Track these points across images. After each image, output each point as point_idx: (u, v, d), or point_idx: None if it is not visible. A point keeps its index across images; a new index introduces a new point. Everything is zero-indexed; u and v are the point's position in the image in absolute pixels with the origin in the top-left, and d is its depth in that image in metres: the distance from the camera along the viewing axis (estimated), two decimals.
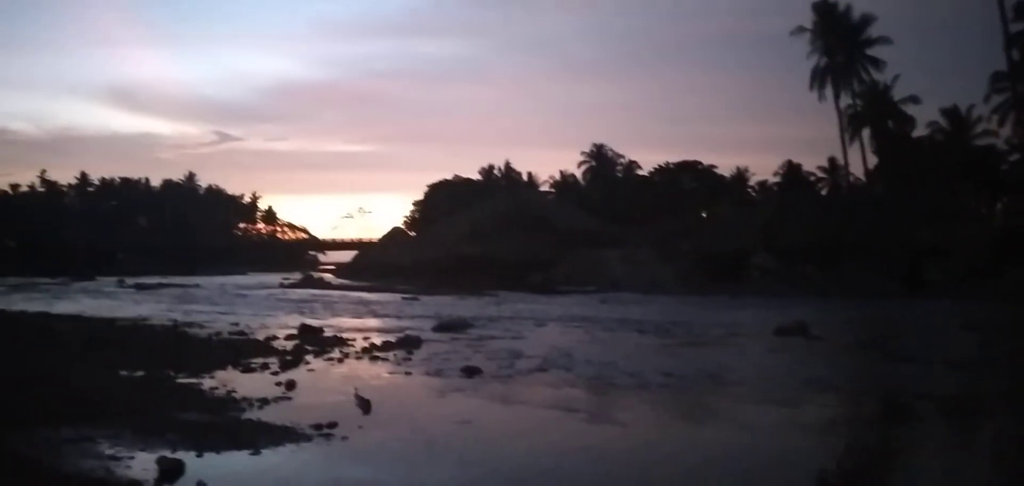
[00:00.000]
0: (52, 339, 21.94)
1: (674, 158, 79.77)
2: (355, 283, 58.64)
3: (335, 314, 33.14)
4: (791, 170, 77.39)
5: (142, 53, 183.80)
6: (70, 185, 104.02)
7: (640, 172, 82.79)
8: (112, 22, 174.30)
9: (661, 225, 60.54)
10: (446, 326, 25.95)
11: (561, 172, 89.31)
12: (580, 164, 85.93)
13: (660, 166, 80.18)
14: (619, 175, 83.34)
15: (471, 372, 16.81)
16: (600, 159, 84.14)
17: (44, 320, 28.45)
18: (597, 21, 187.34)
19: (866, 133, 60.42)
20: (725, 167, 79.64)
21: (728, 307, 35.66)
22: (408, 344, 21.23)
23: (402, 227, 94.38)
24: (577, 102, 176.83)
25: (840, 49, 59.07)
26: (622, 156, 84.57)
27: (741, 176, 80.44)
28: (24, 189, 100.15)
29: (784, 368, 18.38)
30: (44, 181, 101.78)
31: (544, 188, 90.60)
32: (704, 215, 73.43)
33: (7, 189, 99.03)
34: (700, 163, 78.14)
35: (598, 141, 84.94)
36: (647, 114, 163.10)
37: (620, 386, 16.06)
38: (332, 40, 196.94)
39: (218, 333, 24.58)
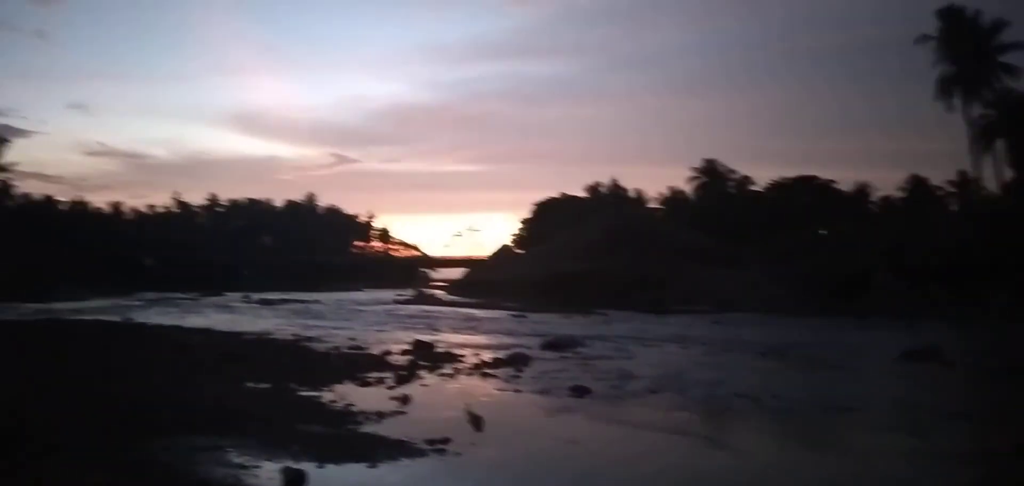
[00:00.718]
0: (186, 353, 23.42)
1: (790, 173, 76.88)
2: (465, 300, 59.55)
3: (446, 330, 33.76)
4: (917, 185, 73.01)
5: (267, 81, 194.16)
6: (201, 205, 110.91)
7: (754, 188, 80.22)
8: (239, 53, 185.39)
9: (776, 243, 58.40)
10: (554, 344, 25.89)
11: (670, 188, 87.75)
12: (690, 180, 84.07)
13: (775, 181, 77.43)
14: (732, 191, 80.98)
15: (580, 392, 16.74)
16: (711, 174, 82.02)
17: (178, 334, 30.38)
18: (704, 35, 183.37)
19: (1000, 145, 56.31)
20: (844, 182, 76.06)
21: (850, 329, 33.92)
22: (517, 361, 21.38)
23: (510, 245, 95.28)
24: (686, 117, 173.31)
25: (969, 57, 55.41)
26: (735, 171, 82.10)
27: (862, 191, 76.61)
28: (160, 209, 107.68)
29: (913, 394, 17.33)
30: (178, 202, 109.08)
31: (653, 205, 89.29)
32: (822, 232, 70.27)
33: (145, 209, 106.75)
34: (817, 178, 74.98)
35: (709, 156, 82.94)
36: (760, 128, 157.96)
37: (735, 410, 15.58)
38: (443, 64, 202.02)
39: (336, 348, 25.51)
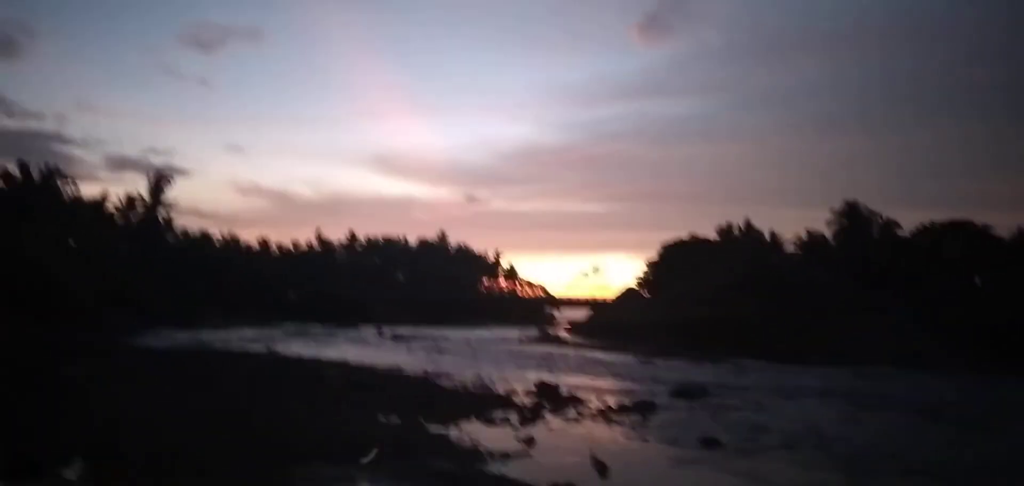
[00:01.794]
0: (323, 383, 24.54)
1: (939, 217, 71.65)
2: (589, 342, 59.15)
3: (570, 372, 33.60)
4: None
5: (403, 124, 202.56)
6: (341, 242, 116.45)
7: (900, 232, 75.35)
8: (379, 98, 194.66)
9: (925, 291, 54.43)
10: (683, 392, 25.19)
11: (808, 231, 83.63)
12: (830, 223, 79.79)
13: (923, 226, 72.30)
14: (875, 235, 76.39)
15: (710, 443, 16.15)
16: (853, 218, 77.62)
17: (316, 365, 31.90)
18: (842, 72, 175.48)
19: None
20: (1002, 227, 70.07)
21: (1008, 386, 31.04)
22: (644, 408, 20.94)
23: (635, 287, 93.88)
24: (824, 157, 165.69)
25: None
26: (878, 214, 77.29)
27: (1023, 237, 70.25)
28: (303, 246, 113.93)
29: None
30: (319, 239, 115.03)
31: (789, 249, 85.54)
32: (976, 281, 64.86)
33: (290, 245, 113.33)
34: (971, 222, 69.49)
35: (850, 198, 78.69)
36: (906, 169, 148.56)
37: (882, 472, 14.51)
38: (571, 105, 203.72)
39: (463, 385, 25.97)
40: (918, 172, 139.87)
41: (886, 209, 78.19)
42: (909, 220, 75.84)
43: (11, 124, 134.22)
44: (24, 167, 69.24)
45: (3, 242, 46.35)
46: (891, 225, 76.42)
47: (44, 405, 17.85)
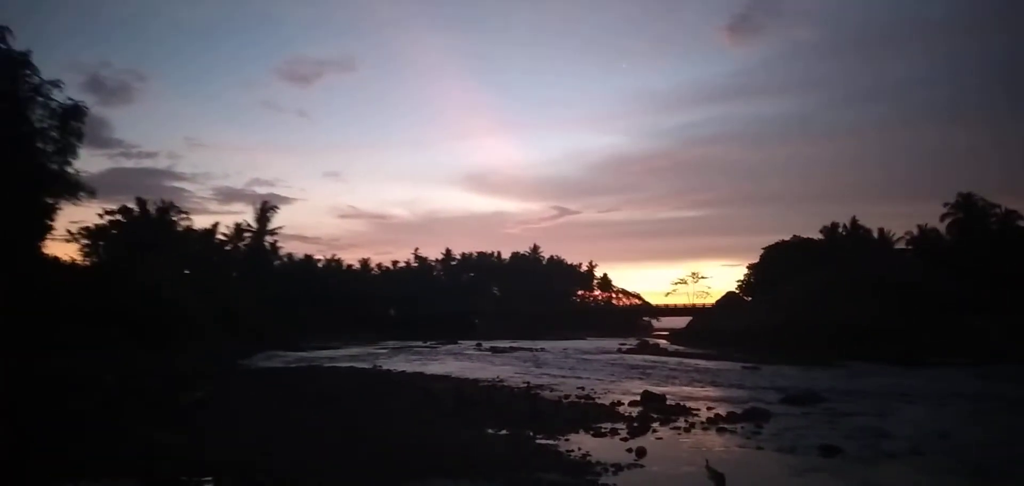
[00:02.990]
0: (430, 398, 24.94)
1: None
2: (691, 349, 57.89)
3: (674, 381, 32.98)
4: None
5: (493, 142, 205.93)
6: (437, 260, 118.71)
7: (1021, 223, 70.54)
8: (469, 118, 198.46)
9: None
10: (795, 398, 24.30)
11: (919, 227, 79.46)
12: (943, 217, 75.48)
13: None
14: (994, 228, 71.72)
15: (829, 451, 15.50)
16: (968, 210, 73.17)
17: (422, 380, 32.50)
18: (942, 61, 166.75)
19: None
20: None
21: None
22: (756, 416, 20.31)
23: (737, 291, 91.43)
24: (933, 149, 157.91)
25: None
26: (997, 206, 72.52)
27: None
28: (401, 265, 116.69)
29: None
30: (417, 257, 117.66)
31: (899, 246, 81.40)
32: None
33: (389, 265, 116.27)
34: None
35: (965, 190, 74.24)
36: None
37: (1017, 477, 13.58)
38: (660, 112, 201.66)
39: (566, 396, 25.86)
40: None
41: (1005, 199, 73.60)
42: None
43: (128, 163, 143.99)
44: (141, 203, 73.81)
45: (123, 273, 49.45)
46: (1011, 216, 71.57)
47: (169, 427, 18.81)
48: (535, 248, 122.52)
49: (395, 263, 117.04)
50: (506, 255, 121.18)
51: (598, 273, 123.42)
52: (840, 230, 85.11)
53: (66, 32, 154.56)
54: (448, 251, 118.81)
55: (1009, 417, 21.27)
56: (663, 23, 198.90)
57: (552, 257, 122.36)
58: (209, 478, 13.21)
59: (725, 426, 19.00)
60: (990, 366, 36.45)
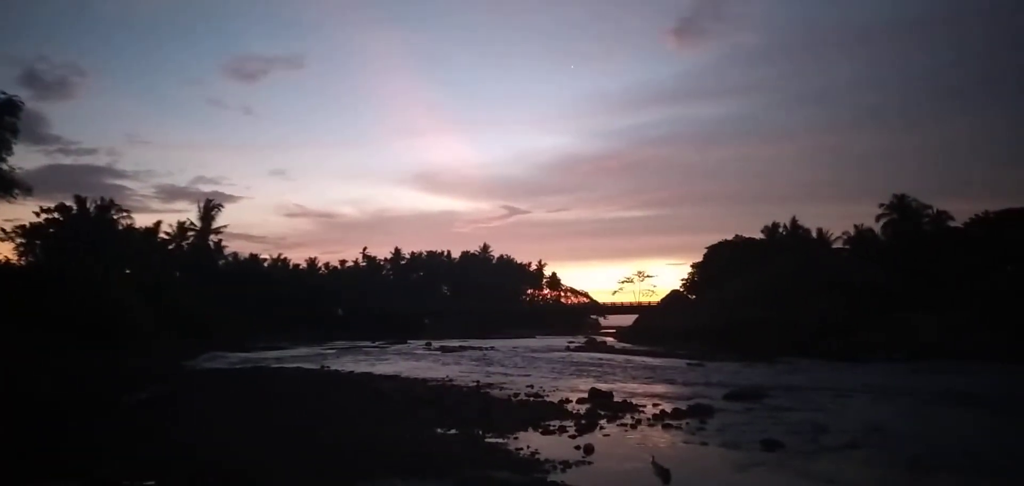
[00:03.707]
0: (379, 398, 24.85)
1: (995, 206, 69.70)
2: (637, 347, 58.72)
3: (621, 378, 33.44)
4: None
5: (443, 141, 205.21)
6: (386, 259, 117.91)
7: (952, 224, 73.37)
8: (419, 117, 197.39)
9: (983, 284, 52.93)
10: (738, 394, 24.94)
11: (856, 227, 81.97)
12: (878, 218, 78.03)
13: (978, 216, 70.31)
14: (926, 228, 74.51)
15: (772, 445, 15.97)
16: (902, 211, 75.83)
17: (371, 380, 32.31)
18: (880, 66, 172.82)
19: None
20: None
21: None
22: (700, 412, 20.79)
23: (681, 290, 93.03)
24: (869, 153, 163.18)
25: None
26: (929, 207, 75.36)
27: None
28: (350, 264, 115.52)
29: None
30: (365, 256, 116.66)
31: (837, 245, 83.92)
32: None
33: (337, 264, 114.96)
34: None
35: (899, 192, 76.91)
36: (957, 160, 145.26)
37: (952, 469, 14.19)
38: (609, 113, 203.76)
39: (516, 394, 26.02)
40: (968, 162, 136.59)
41: (936, 200, 76.43)
42: (962, 211, 73.95)
43: (67, 160, 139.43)
44: (80, 201, 71.62)
45: (61, 273, 47.90)
46: (942, 216, 74.45)
47: (111, 429, 18.41)
48: (485, 247, 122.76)
49: (343, 262, 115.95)
50: (456, 254, 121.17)
51: (547, 272, 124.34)
52: (781, 230, 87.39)
53: (1, 26, 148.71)
54: (397, 250, 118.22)
55: (942, 410, 22.12)
56: (611, 25, 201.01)
57: (502, 256, 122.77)
58: (151, 481, 13.00)
59: (670, 422, 19.39)
60: (925, 361, 37.92)
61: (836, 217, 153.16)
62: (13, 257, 60.53)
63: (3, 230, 63.15)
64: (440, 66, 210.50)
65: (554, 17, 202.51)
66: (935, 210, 74.72)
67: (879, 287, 56.01)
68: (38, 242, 65.19)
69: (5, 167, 39.26)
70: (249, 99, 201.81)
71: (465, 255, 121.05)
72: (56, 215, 68.80)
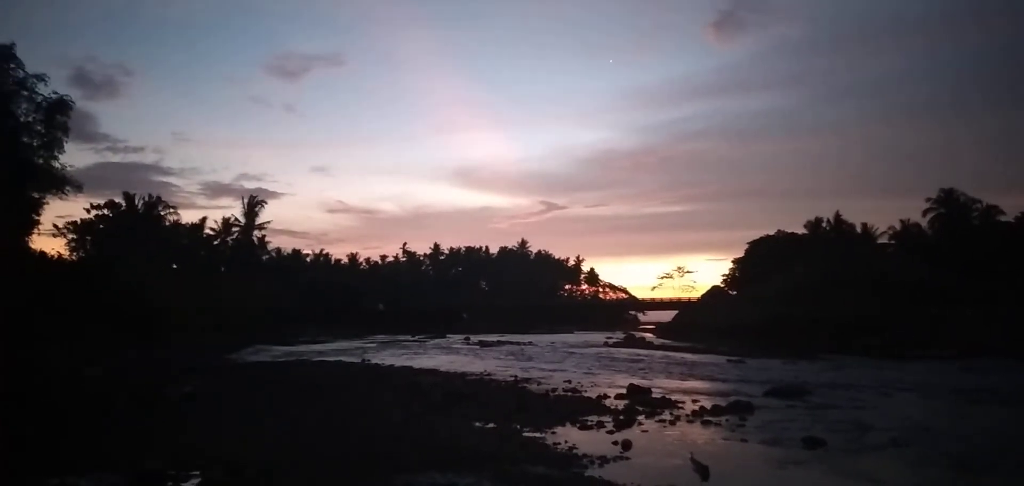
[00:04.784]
0: (418, 392, 25.06)
1: None
2: (676, 343, 58.18)
3: (660, 374, 33.22)
4: None
5: (482, 137, 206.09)
6: (425, 254, 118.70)
7: (1003, 218, 71.35)
8: (458, 114, 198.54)
9: None
10: (779, 391, 24.59)
11: (902, 222, 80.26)
12: (925, 213, 76.26)
13: None
14: (975, 222, 72.54)
15: (813, 443, 15.74)
16: (950, 205, 73.95)
17: (410, 374, 32.60)
18: (926, 58, 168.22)
19: None
20: None
21: None
22: (740, 409, 20.57)
23: (722, 286, 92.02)
24: (917, 146, 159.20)
25: None
26: (978, 201, 73.37)
27: None
28: (390, 259, 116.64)
29: None
30: (405, 252, 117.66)
31: (882, 241, 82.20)
32: None
33: (377, 259, 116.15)
34: None
35: (947, 186, 75.02)
36: (1008, 153, 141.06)
37: (997, 470, 13.85)
38: (647, 107, 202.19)
39: (553, 389, 26.04)
40: (1018, 155, 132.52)
41: (986, 195, 74.37)
42: (1013, 205, 71.83)
43: (115, 158, 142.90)
44: (128, 197, 73.44)
45: (110, 268, 49.22)
46: (992, 211, 72.40)
47: (157, 422, 18.85)
48: (523, 243, 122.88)
49: (383, 258, 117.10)
50: (494, 250, 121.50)
51: (585, 267, 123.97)
52: (824, 225, 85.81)
53: (52, 26, 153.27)
54: (436, 246, 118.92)
55: (990, 410, 21.59)
56: (650, 20, 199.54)
57: (540, 252, 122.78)
58: (196, 472, 13.27)
59: (710, 419, 19.23)
60: (972, 359, 36.95)
61: (881, 212, 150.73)
62: (65, 252, 62.37)
63: (55, 226, 65.10)
64: (478, 62, 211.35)
65: (592, 12, 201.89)
66: (984, 205, 72.73)
67: (925, 283, 54.78)
68: (89, 238, 67.02)
69: (57, 165, 40.36)
70: (291, 97, 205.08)
71: (503, 250, 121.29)
72: (106, 211, 70.68)
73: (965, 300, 49.77)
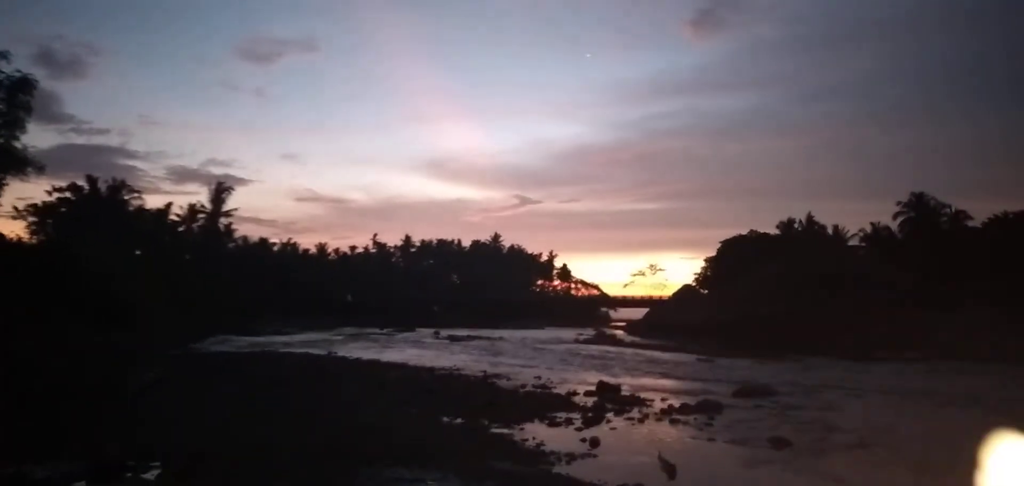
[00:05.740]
0: (385, 386, 24.74)
1: (1015, 207, 68.76)
2: (647, 341, 58.35)
3: (629, 372, 33.20)
4: None
5: (456, 129, 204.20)
6: (396, 246, 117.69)
7: (970, 223, 72.52)
8: (431, 104, 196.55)
9: (1001, 285, 52.21)
10: (747, 391, 24.62)
11: (872, 224, 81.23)
12: (896, 216, 77.13)
13: (996, 215, 69.46)
14: (944, 227, 73.65)
15: (779, 443, 15.71)
16: (920, 209, 74.93)
17: (377, 368, 32.25)
18: (901, 61, 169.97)
19: None
20: None
21: None
22: (708, 408, 20.52)
23: (693, 284, 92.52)
24: (889, 149, 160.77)
25: None
26: (947, 205, 74.46)
27: None
28: (359, 250, 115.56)
29: None
30: (375, 243, 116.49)
31: (853, 243, 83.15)
32: None
33: (347, 250, 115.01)
34: None
35: (917, 189, 76.09)
36: (978, 158, 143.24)
37: (961, 473, 13.85)
38: (624, 103, 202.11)
39: (523, 385, 25.86)
40: (989, 160, 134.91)
41: (955, 200, 75.49)
42: (981, 210, 73.03)
43: (79, 140, 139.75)
44: (92, 180, 71.78)
45: (72, 252, 48.04)
46: (961, 215, 73.58)
47: (117, 410, 18.37)
48: (496, 237, 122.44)
49: (353, 248, 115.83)
50: (466, 243, 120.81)
51: (558, 263, 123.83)
52: (796, 226, 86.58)
53: (16, 4, 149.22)
54: (408, 237, 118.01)
55: (954, 413, 21.74)
56: (628, 15, 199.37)
57: (512, 246, 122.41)
58: (156, 462, 12.92)
59: (678, 417, 19.16)
60: (939, 362, 37.40)
61: (853, 214, 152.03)
62: (25, 235, 60.82)
63: (15, 209, 63.40)
64: (454, 53, 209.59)
65: (570, 6, 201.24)
66: (953, 209, 73.87)
67: (895, 286, 55.45)
68: (50, 221, 65.42)
69: (18, 145, 39.29)
70: (262, 81, 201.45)
71: (475, 244, 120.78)
72: (68, 194, 68.97)
73: (933, 303, 50.43)
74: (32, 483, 11.79)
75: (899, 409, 22.08)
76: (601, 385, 25.01)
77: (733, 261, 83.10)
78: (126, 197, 73.78)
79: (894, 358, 39.61)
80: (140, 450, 13.36)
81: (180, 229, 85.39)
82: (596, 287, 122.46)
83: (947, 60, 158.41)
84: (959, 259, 61.61)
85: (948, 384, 28.65)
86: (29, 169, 40.56)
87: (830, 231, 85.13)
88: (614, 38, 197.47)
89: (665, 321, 71.33)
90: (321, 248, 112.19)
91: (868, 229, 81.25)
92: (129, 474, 12.34)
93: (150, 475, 12.30)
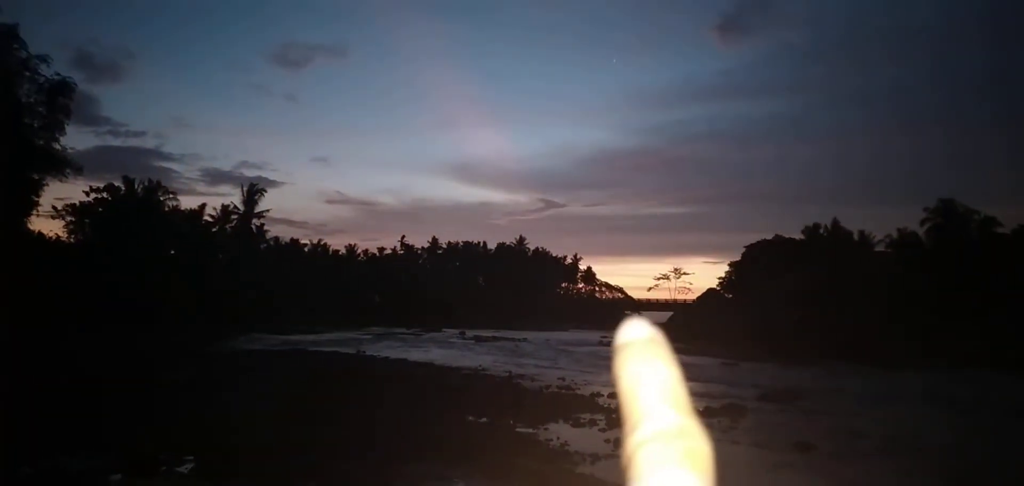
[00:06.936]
0: (412, 385, 25.18)
1: None
2: (670, 345, 58.29)
3: None
4: None
5: (482, 133, 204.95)
6: (423, 248, 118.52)
7: (1000, 230, 71.48)
8: (459, 108, 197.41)
9: None
10: (772, 396, 24.74)
11: (899, 230, 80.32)
12: (923, 222, 76.32)
13: None
14: (973, 234, 72.67)
15: (804, 448, 15.87)
16: (948, 216, 73.91)
17: (405, 367, 32.72)
18: (929, 68, 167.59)
19: None
20: None
21: None
22: (732, 412, 20.70)
23: (718, 289, 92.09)
24: (916, 155, 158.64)
25: None
26: (977, 212, 73.42)
27: None
28: (387, 251, 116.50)
29: None
30: (403, 244, 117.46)
31: (879, 249, 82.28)
32: None
33: (375, 251, 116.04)
34: None
35: (945, 196, 75.13)
36: (1007, 164, 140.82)
37: (985, 482, 13.97)
38: (647, 109, 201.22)
39: (547, 386, 26.15)
40: (1018, 167, 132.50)
41: (985, 206, 74.35)
42: (1009, 217, 71.86)
43: (116, 142, 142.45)
44: (128, 181, 73.24)
45: (108, 252, 49.22)
46: (990, 222, 72.50)
47: (153, 406, 18.94)
48: (521, 239, 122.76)
49: (381, 250, 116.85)
50: (492, 245, 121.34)
51: (582, 266, 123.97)
52: (821, 231, 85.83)
53: (56, 7, 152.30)
54: (434, 239, 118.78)
55: (981, 422, 21.68)
56: (654, 21, 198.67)
57: (537, 249, 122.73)
58: (190, 457, 13.36)
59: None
60: (966, 371, 37.10)
61: (879, 220, 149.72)
62: (64, 235, 62.33)
63: (54, 209, 64.94)
64: (481, 58, 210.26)
65: (597, 11, 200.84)
66: (982, 216, 72.82)
67: (922, 293, 54.92)
68: (87, 221, 66.91)
69: (58, 147, 40.41)
70: (293, 86, 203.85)
71: (501, 246, 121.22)
72: (105, 195, 70.46)
73: (961, 311, 49.92)
74: (68, 476, 12.30)
75: (924, 417, 22.06)
76: None
77: (758, 266, 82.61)
78: (161, 198, 75.17)
79: (920, 365, 39.32)
80: (174, 445, 13.82)
81: (213, 230, 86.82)
82: (620, 290, 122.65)
83: (975, 66, 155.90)
84: (987, 266, 60.80)
85: (974, 393, 28.46)
86: (68, 170, 41.67)
87: (856, 237, 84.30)
88: (640, 44, 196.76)
89: (689, 325, 71.20)
90: (350, 249, 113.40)
91: (895, 235, 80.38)
92: (164, 468, 12.80)
93: (184, 469, 12.76)
